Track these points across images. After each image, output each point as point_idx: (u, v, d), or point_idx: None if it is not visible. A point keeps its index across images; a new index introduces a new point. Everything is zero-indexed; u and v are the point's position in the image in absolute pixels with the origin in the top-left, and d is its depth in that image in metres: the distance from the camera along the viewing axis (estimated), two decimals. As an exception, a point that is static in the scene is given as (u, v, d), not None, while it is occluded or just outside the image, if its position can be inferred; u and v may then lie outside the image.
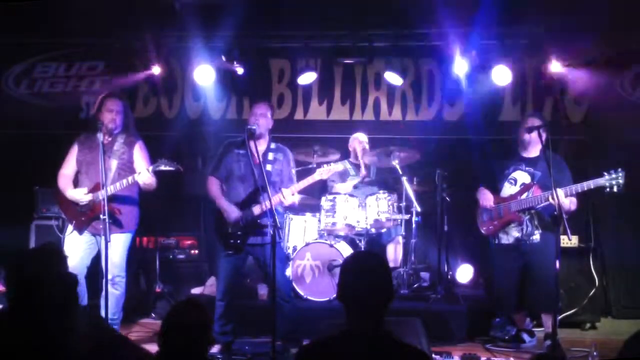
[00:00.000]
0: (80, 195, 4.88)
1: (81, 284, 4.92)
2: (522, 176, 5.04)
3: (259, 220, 4.85)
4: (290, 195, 4.87)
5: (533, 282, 5.00)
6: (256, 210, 4.83)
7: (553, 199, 4.56)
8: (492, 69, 6.14)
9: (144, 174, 4.76)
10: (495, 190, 5.14)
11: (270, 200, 4.52)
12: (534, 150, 5.05)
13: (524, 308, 5.23)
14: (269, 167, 4.88)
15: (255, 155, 4.75)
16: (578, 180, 4.79)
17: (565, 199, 4.68)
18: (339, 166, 5.07)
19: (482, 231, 5.20)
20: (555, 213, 4.50)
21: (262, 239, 4.88)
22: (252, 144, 4.79)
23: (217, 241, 5.00)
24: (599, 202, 5.94)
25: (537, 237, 4.96)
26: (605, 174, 4.59)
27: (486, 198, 5.12)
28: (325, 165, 4.97)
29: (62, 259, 2.91)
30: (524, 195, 4.94)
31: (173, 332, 2.53)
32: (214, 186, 5.00)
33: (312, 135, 6.80)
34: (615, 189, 4.56)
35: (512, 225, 5.00)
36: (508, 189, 5.08)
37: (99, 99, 5.07)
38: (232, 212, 4.84)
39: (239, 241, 4.85)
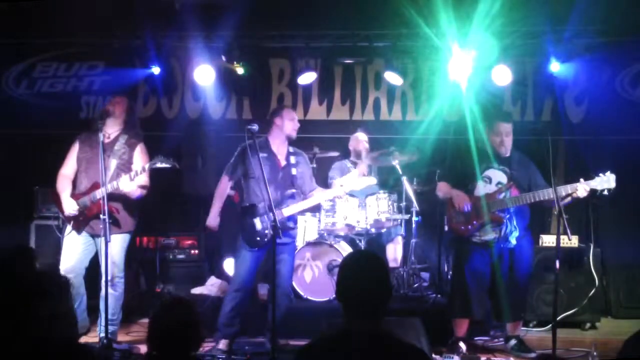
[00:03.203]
0: (67, 205, 4.87)
1: (80, 284, 4.93)
2: (496, 174, 4.88)
3: (287, 222, 4.93)
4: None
5: (500, 288, 4.85)
6: (287, 212, 4.90)
7: (545, 197, 4.60)
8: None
9: (124, 182, 4.74)
10: (466, 190, 4.93)
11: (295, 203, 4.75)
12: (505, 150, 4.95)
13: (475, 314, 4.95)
14: (294, 170, 5.02)
15: (281, 159, 5.04)
16: (576, 181, 4.78)
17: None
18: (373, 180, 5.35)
19: (457, 230, 4.94)
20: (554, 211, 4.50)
21: (288, 237, 4.98)
22: (277, 144, 4.98)
23: (242, 236, 4.97)
24: (599, 202, 5.94)
25: (513, 240, 4.83)
26: (596, 176, 4.56)
27: (461, 197, 4.88)
28: (346, 180, 5.11)
29: (29, 260, 2.85)
30: (503, 195, 4.80)
31: (160, 332, 2.48)
32: (223, 189, 5.06)
33: (312, 135, 6.80)
34: (605, 192, 4.53)
35: (490, 226, 4.82)
36: (483, 188, 4.88)
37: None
38: (212, 221, 5.00)
39: (266, 239, 4.87)
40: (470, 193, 4.92)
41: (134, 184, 4.81)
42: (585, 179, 4.59)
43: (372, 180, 5.33)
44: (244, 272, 4.93)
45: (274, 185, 4.93)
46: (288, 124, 5.05)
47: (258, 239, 4.89)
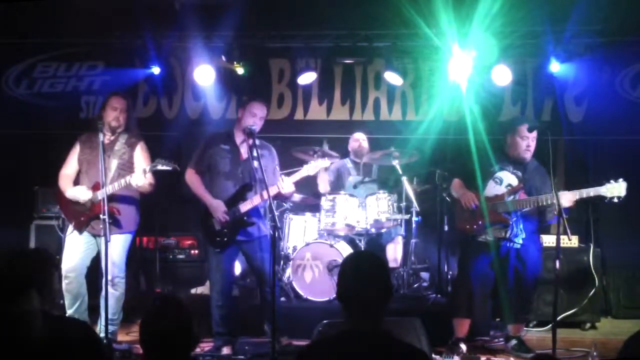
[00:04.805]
0: (81, 192, 4.86)
1: (81, 284, 4.93)
2: (508, 177, 4.84)
3: (245, 218, 4.82)
4: (291, 184, 4.83)
5: (504, 289, 4.84)
6: (243, 207, 4.81)
7: (546, 201, 4.54)
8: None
9: (137, 176, 4.70)
10: (475, 188, 4.89)
11: (269, 197, 4.52)
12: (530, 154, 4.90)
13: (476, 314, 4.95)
14: (255, 163, 4.77)
15: (245, 150, 4.77)
16: (577, 181, 4.78)
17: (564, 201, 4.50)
18: (326, 162, 5.02)
19: (463, 229, 4.91)
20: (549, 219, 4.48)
21: (250, 235, 4.88)
22: (249, 142, 4.81)
23: (204, 238, 4.97)
24: (599, 202, 5.94)
25: (519, 242, 4.80)
26: (606, 182, 4.46)
27: (469, 196, 4.85)
28: (312, 162, 4.94)
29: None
30: (511, 198, 4.76)
31: (150, 336, 2.44)
32: (194, 179, 4.94)
33: (312, 135, 6.81)
34: (615, 200, 4.43)
35: (496, 227, 4.78)
36: (492, 188, 4.85)
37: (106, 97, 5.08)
38: (219, 206, 4.79)
39: (225, 239, 4.83)
40: (477, 191, 4.88)
41: (147, 180, 4.78)
42: (588, 183, 4.54)
43: (325, 163, 5.03)
44: (221, 277, 4.87)
45: (233, 181, 4.87)
46: (247, 119, 4.85)
47: (218, 239, 4.84)
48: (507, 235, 4.78)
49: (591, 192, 4.51)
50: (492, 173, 4.88)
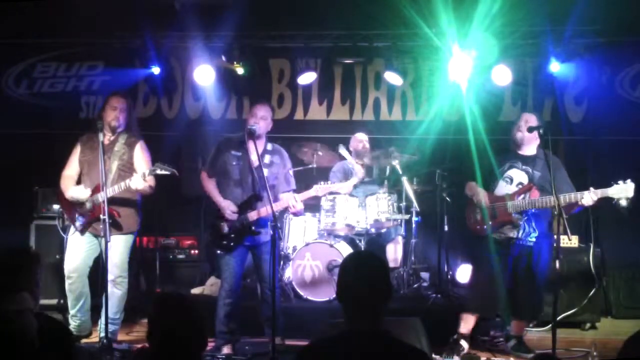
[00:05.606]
0: (79, 192, 4.84)
1: (84, 284, 4.93)
2: (518, 175, 4.83)
3: (253, 226, 4.79)
4: (300, 204, 4.83)
5: (515, 286, 4.83)
6: (252, 216, 4.78)
7: (554, 202, 4.46)
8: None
9: (137, 180, 4.68)
10: (487, 188, 4.88)
11: (271, 205, 4.50)
12: (529, 149, 4.88)
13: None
14: (265, 171, 4.76)
15: (256, 157, 4.70)
16: (577, 181, 4.77)
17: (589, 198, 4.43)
18: (335, 186, 5.01)
19: (475, 230, 4.91)
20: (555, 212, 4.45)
21: (256, 240, 4.86)
22: (251, 144, 4.76)
23: (210, 240, 4.98)
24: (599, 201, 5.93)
25: (532, 240, 4.78)
26: (614, 184, 4.40)
27: (484, 195, 4.83)
28: (322, 183, 4.91)
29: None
30: (522, 197, 4.73)
31: (159, 333, 2.43)
32: (207, 182, 4.95)
33: (312, 135, 6.81)
34: (624, 203, 4.37)
35: (507, 227, 4.78)
36: (504, 188, 4.84)
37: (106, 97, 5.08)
38: (228, 206, 4.78)
39: (232, 243, 4.81)
40: (489, 191, 4.87)
41: (146, 183, 4.76)
42: (595, 186, 4.50)
43: (335, 187, 5.01)
44: (230, 277, 4.84)
45: (242, 188, 4.83)
46: (249, 119, 4.86)
47: (224, 242, 4.82)
48: (519, 234, 4.78)
49: (599, 193, 4.44)
50: (501, 172, 4.86)
